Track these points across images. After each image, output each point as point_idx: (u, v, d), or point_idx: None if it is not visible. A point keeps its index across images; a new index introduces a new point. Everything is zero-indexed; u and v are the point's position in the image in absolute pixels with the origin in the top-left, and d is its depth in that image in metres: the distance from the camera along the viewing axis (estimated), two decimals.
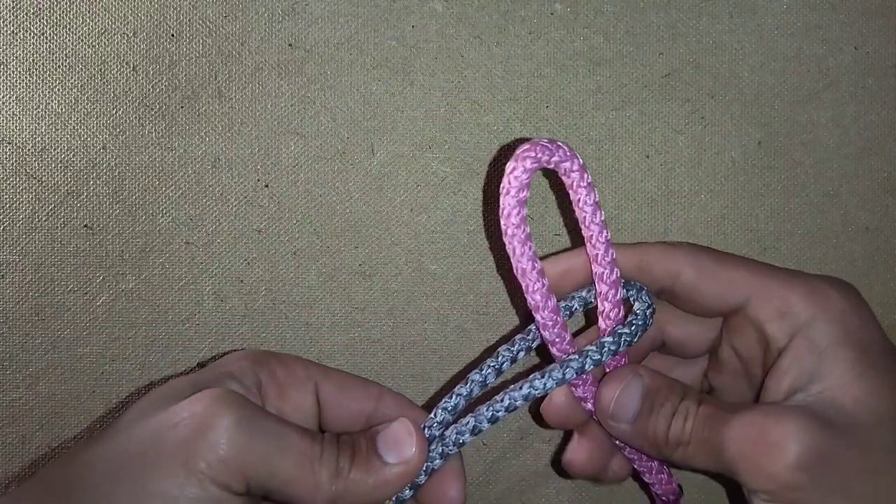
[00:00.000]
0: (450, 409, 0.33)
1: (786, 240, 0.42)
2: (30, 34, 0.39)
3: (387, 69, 0.41)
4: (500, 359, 0.34)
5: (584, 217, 0.33)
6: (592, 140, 0.41)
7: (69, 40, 0.39)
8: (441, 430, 0.33)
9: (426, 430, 0.33)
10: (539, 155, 0.30)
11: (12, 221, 0.39)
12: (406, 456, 0.31)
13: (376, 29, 0.40)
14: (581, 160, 0.32)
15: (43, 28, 0.39)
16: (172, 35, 0.40)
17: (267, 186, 0.40)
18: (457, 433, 0.32)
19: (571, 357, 0.33)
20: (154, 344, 0.40)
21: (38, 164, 0.39)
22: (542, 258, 0.33)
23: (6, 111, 0.39)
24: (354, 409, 0.33)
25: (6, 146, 0.39)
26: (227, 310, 0.40)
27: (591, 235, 0.33)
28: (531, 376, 0.33)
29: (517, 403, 0.32)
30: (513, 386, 0.33)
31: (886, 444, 0.30)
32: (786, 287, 0.33)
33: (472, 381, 0.34)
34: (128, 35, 0.39)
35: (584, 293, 0.35)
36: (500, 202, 0.31)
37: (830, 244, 0.42)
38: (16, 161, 0.39)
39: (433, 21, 0.41)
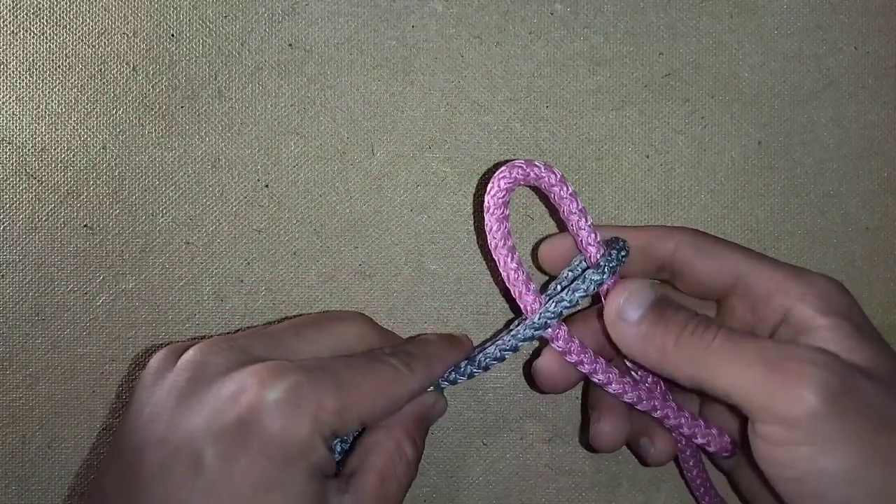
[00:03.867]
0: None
1: (786, 240, 0.42)
2: (30, 34, 0.39)
3: (387, 69, 0.40)
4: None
5: (572, 226, 0.35)
6: (592, 140, 0.41)
7: (69, 40, 0.39)
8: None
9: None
10: (515, 174, 0.34)
11: (12, 221, 0.39)
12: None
13: (376, 29, 0.40)
14: (559, 173, 0.34)
15: (43, 28, 0.39)
16: (172, 35, 0.40)
17: (267, 186, 0.40)
18: (454, 374, 0.36)
19: (545, 308, 0.34)
20: (154, 344, 0.40)
21: (38, 164, 0.39)
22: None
23: (6, 111, 0.39)
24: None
25: (6, 146, 0.39)
26: (227, 310, 0.40)
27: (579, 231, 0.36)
28: (511, 329, 0.36)
29: (507, 355, 0.35)
30: (497, 340, 0.36)
31: None
32: (776, 268, 0.34)
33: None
34: (128, 35, 0.39)
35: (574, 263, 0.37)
36: (485, 219, 0.35)
37: (830, 244, 0.42)
38: (16, 161, 0.39)
39: (433, 21, 0.41)
